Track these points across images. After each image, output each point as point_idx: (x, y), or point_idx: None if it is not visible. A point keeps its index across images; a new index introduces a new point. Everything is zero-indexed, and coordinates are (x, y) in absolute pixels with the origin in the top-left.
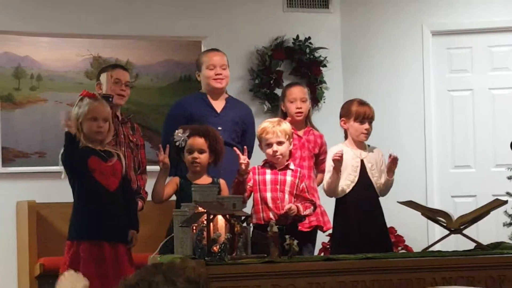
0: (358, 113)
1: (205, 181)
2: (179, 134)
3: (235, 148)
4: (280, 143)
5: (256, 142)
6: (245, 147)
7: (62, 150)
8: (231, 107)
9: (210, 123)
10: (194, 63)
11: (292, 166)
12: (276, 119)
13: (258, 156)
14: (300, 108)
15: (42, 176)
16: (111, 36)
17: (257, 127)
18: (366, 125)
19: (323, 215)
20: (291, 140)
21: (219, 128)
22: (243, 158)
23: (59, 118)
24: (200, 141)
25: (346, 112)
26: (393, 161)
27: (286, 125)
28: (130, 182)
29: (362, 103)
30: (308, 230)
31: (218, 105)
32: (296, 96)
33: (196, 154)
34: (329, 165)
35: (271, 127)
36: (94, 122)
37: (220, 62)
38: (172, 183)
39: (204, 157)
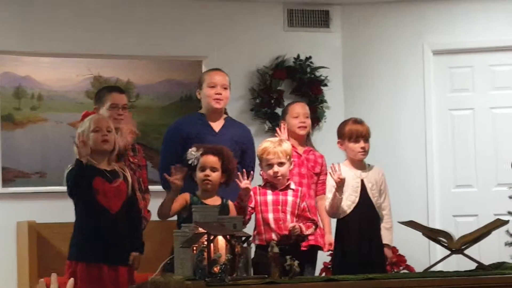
0: (351, 132)
1: (215, 202)
2: (193, 152)
3: (238, 173)
4: (281, 164)
5: (257, 161)
6: (244, 170)
7: (68, 169)
8: (230, 126)
9: (208, 142)
10: (195, 82)
11: (293, 186)
12: (276, 139)
13: (258, 176)
14: (304, 122)
15: (42, 196)
16: (111, 56)
17: (258, 146)
18: (361, 143)
19: (321, 236)
20: (292, 160)
21: None
22: (244, 182)
23: (74, 142)
24: (213, 159)
25: (340, 133)
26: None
27: (286, 145)
28: (136, 203)
29: (355, 121)
30: (305, 249)
31: (216, 124)
32: (300, 111)
33: (208, 172)
34: (330, 185)
35: (272, 148)
36: (98, 133)
37: (222, 81)
38: (181, 198)
39: (216, 176)
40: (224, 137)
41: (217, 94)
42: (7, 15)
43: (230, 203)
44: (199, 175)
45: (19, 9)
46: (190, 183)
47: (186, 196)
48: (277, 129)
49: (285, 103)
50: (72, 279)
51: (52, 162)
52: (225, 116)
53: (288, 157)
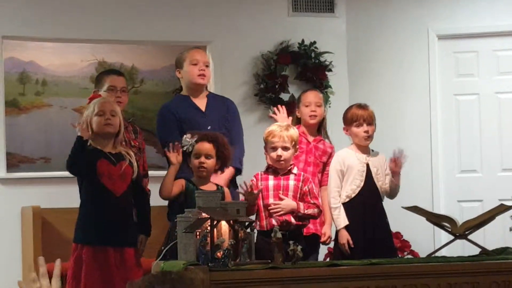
0: (352, 116)
1: (210, 188)
2: (187, 139)
3: (240, 185)
4: (285, 148)
5: (259, 148)
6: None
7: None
8: (214, 103)
9: (199, 124)
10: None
11: (295, 171)
12: (285, 123)
13: (262, 162)
14: (315, 111)
15: (47, 181)
16: (116, 41)
17: (265, 130)
18: (364, 127)
19: (322, 225)
20: (297, 147)
21: (209, 127)
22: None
23: (71, 123)
24: (208, 146)
25: (345, 118)
26: (395, 163)
27: (294, 131)
28: (143, 187)
29: (359, 106)
30: (307, 235)
31: (201, 103)
32: (311, 100)
33: (203, 159)
34: (333, 173)
35: (279, 131)
36: (101, 117)
37: (204, 59)
38: (178, 183)
39: (210, 163)
40: (212, 116)
41: (200, 70)
42: (11, 1)
43: (225, 189)
44: (194, 162)
45: None
46: (186, 169)
47: (182, 182)
48: (274, 108)
49: (290, 89)
50: (58, 260)
51: (57, 147)
52: (207, 93)
53: (293, 143)
